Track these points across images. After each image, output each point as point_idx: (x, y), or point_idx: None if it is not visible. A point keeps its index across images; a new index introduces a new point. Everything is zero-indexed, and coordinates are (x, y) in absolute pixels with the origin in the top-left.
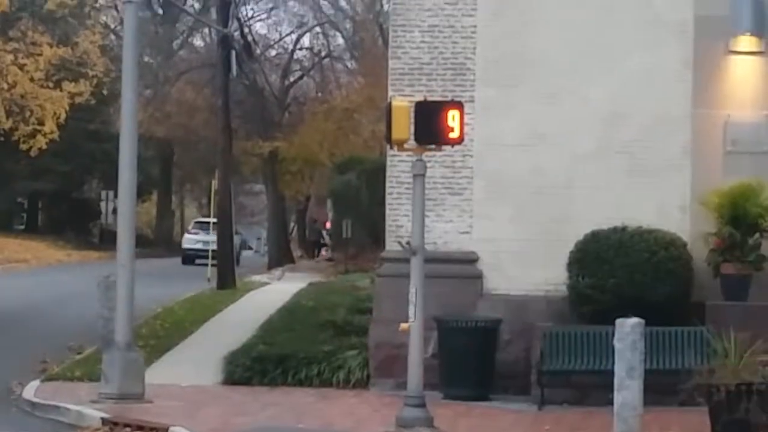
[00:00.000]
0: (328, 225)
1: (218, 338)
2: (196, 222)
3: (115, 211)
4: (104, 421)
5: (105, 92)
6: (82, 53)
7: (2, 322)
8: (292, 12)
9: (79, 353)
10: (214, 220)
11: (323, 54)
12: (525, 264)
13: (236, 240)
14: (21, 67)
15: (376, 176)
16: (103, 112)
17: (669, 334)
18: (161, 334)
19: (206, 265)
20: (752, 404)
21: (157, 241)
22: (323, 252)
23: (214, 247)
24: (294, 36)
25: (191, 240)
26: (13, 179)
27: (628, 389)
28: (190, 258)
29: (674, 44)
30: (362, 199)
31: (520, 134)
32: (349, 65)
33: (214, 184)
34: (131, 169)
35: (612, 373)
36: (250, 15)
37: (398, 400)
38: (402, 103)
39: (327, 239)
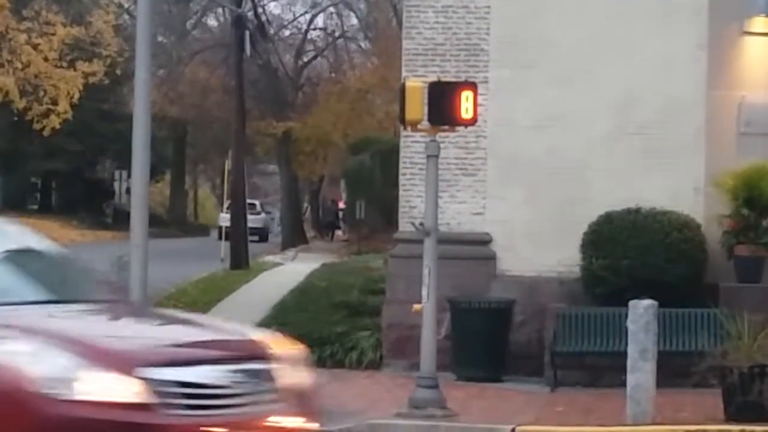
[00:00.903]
0: (342, 205)
1: (232, 319)
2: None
3: (128, 191)
4: None
5: (119, 72)
6: (95, 33)
7: None
8: None
9: None
10: (249, 200)
11: (337, 34)
12: (538, 245)
13: (266, 218)
14: (35, 46)
15: (389, 157)
16: (117, 92)
17: (682, 315)
18: None
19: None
20: (766, 386)
21: (171, 221)
22: (339, 233)
23: (250, 224)
24: (308, 16)
25: (226, 218)
26: (27, 159)
27: (641, 371)
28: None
29: (689, 26)
30: (376, 180)
31: (534, 115)
32: (362, 45)
33: (228, 164)
34: (145, 149)
35: (625, 354)
36: None
37: (411, 381)
38: (416, 83)
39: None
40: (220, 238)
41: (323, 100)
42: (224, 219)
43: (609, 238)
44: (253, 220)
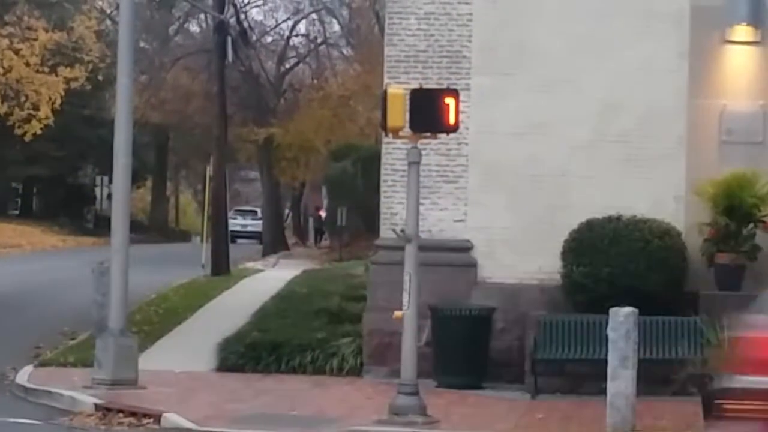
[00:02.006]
0: (323, 213)
1: (212, 325)
2: (236, 210)
3: (109, 196)
4: (97, 406)
5: (100, 77)
6: (77, 38)
7: None
8: None
9: (72, 339)
10: (250, 207)
11: (319, 41)
12: (519, 252)
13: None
14: (16, 51)
15: (371, 164)
16: (99, 98)
17: (663, 323)
18: (155, 320)
19: (246, 242)
20: None
21: (152, 227)
22: (325, 240)
23: (251, 228)
24: (290, 22)
25: (233, 224)
26: (8, 164)
27: (621, 378)
28: (233, 238)
29: (670, 34)
30: (357, 187)
31: (516, 123)
32: (345, 52)
33: (209, 170)
34: (126, 155)
35: (605, 362)
36: (246, 1)
37: (391, 387)
38: (398, 90)
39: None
40: (202, 241)
41: (305, 106)
42: (231, 224)
43: (590, 245)
44: (253, 225)
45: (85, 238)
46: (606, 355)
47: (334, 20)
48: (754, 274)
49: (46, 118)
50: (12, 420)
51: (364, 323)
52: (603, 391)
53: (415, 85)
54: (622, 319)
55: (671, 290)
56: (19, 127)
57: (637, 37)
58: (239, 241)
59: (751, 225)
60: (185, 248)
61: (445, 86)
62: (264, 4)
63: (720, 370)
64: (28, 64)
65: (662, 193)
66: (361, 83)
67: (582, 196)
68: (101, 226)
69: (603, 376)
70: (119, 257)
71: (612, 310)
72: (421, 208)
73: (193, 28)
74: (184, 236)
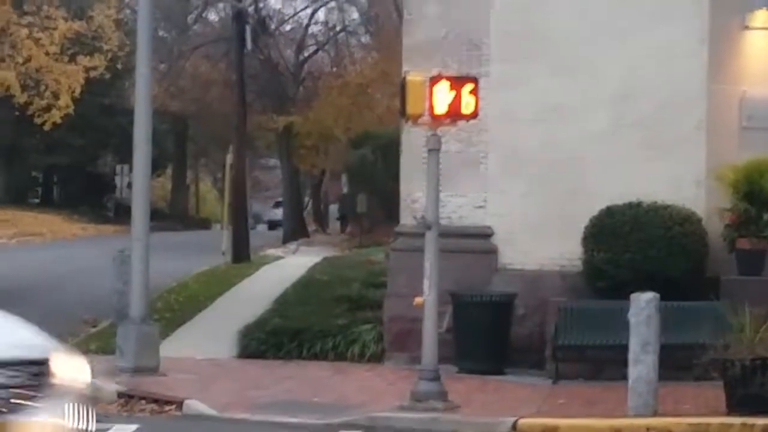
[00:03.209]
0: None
1: (233, 312)
2: (276, 202)
3: (129, 185)
4: (119, 394)
5: (120, 66)
6: (97, 27)
7: (17, 295)
8: None
9: (94, 326)
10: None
11: (338, 29)
12: (540, 238)
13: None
14: (36, 41)
15: (390, 151)
16: (118, 87)
17: (684, 308)
18: (176, 308)
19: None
20: (767, 379)
21: (172, 215)
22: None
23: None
24: (309, 10)
25: (275, 213)
26: (28, 153)
27: (642, 364)
28: (273, 225)
29: (690, 19)
30: (377, 174)
31: (535, 109)
32: (363, 40)
33: (229, 158)
34: (146, 144)
35: (627, 347)
36: None
37: (413, 374)
38: (417, 77)
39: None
40: (269, 228)
41: (324, 94)
42: (274, 214)
43: (610, 231)
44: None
45: (105, 227)
46: (627, 340)
47: (353, 8)
48: None
49: (66, 107)
50: None
51: (385, 310)
52: (624, 377)
53: (434, 72)
54: (643, 304)
55: (692, 275)
56: (38, 116)
57: (657, 22)
58: (279, 228)
59: None
60: (206, 236)
61: (464, 73)
62: None
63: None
64: (47, 54)
65: (682, 179)
66: (380, 71)
67: (602, 182)
68: (121, 215)
69: (624, 362)
70: (140, 245)
71: (633, 296)
72: (441, 194)
73: (212, 16)
74: (205, 224)
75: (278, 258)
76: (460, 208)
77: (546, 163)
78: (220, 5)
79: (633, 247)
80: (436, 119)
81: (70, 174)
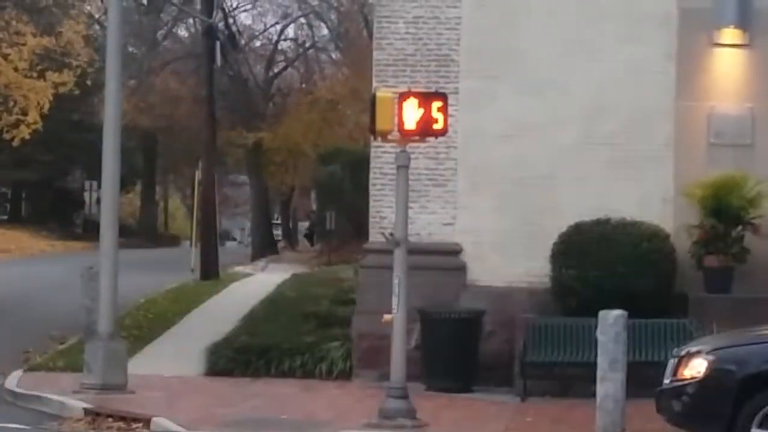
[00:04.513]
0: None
1: (201, 329)
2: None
3: (98, 201)
4: (86, 411)
5: (89, 82)
6: (66, 43)
7: None
8: (276, 2)
9: (62, 343)
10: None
11: (308, 45)
12: (508, 255)
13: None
14: (5, 57)
15: (360, 167)
16: (87, 102)
17: (652, 326)
18: (144, 325)
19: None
20: None
21: (141, 231)
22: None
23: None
24: (278, 27)
25: (305, 225)
26: None
27: (610, 381)
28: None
29: (658, 37)
30: (346, 191)
31: (504, 126)
32: (333, 56)
33: (198, 174)
34: (115, 160)
35: (595, 365)
36: (234, 5)
37: (381, 391)
38: (386, 94)
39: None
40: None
41: (294, 110)
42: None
43: (578, 248)
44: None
45: (74, 243)
46: (595, 357)
47: (323, 24)
48: (743, 276)
49: (35, 123)
50: (1, 425)
51: (354, 327)
52: (592, 394)
53: (403, 88)
54: (611, 321)
55: (660, 292)
56: (7, 131)
57: (625, 40)
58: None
59: (740, 227)
60: (174, 252)
61: (433, 90)
62: (252, 9)
63: None
64: (16, 69)
65: (650, 196)
66: (349, 87)
67: (570, 199)
68: (90, 231)
69: (592, 379)
70: (108, 261)
71: (601, 313)
72: (410, 211)
73: (182, 32)
74: (174, 240)
75: (247, 275)
76: (429, 225)
77: (515, 180)
78: (190, 21)
79: (601, 263)
80: (405, 136)
81: (39, 190)
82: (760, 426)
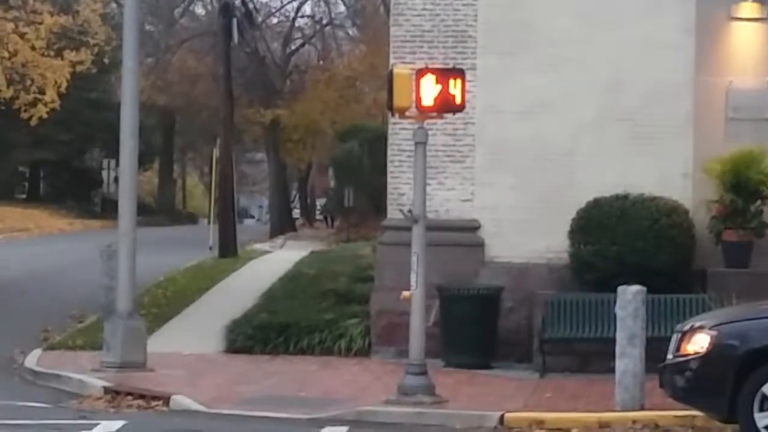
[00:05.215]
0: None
1: (220, 307)
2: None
3: (116, 179)
4: (106, 389)
5: (106, 61)
6: (83, 21)
7: (4, 291)
8: None
9: (80, 322)
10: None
11: (325, 22)
12: (527, 231)
13: None
14: (22, 35)
15: (377, 144)
16: (105, 81)
17: (671, 301)
18: (163, 303)
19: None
20: None
21: (159, 209)
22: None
23: None
24: (295, 3)
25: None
26: (15, 148)
27: (629, 357)
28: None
29: (676, 11)
30: (364, 168)
31: (522, 102)
32: (350, 33)
33: (216, 152)
34: (133, 138)
35: (614, 340)
36: None
37: (400, 368)
38: (403, 70)
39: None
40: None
41: (311, 87)
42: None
43: (597, 224)
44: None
45: (92, 222)
46: (614, 333)
47: (340, 1)
48: (762, 250)
49: (52, 101)
50: (21, 403)
51: (372, 304)
52: (611, 370)
53: (421, 65)
54: (630, 297)
55: (679, 268)
56: (25, 111)
57: (643, 15)
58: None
59: (759, 202)
60: (193, 230)
61: (451, 66)
62: None
63: None
64: (33, 48)
65: (669, 171)
66: (366, 64)
67: (589, 175)
68: (108, 209)
69: (611, 355)
70: (127, 240)
71: (620, 289)
72: (428, 188)
73: (199, 10)
74: (192, 218)
75: (265, 252)
76: (447, 201)
77: (533, 156)
78: None
79: (620, 239)
80: (423, 112)
81: (57, 169)
82: (761, 401)
